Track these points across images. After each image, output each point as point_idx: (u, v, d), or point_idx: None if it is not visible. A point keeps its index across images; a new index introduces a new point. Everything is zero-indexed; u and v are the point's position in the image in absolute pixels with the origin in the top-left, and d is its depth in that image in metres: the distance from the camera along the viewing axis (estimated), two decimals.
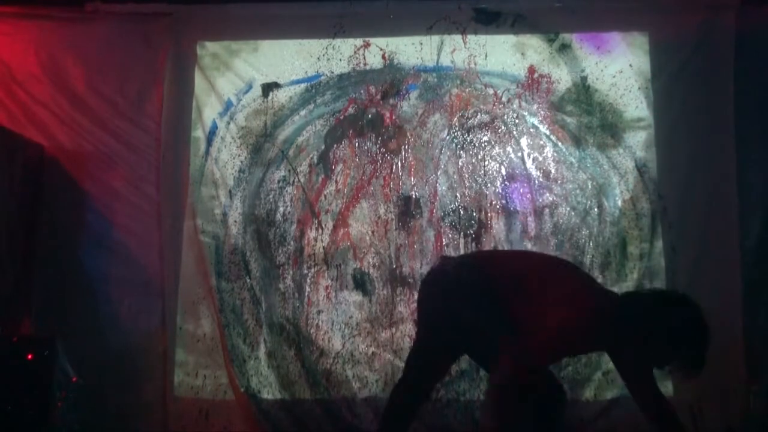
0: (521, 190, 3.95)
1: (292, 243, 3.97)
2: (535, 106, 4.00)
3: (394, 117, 4.03)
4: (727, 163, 3.85)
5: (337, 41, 4.07)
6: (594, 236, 3.87)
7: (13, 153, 3.90)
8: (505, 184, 3.95)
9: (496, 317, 2.51)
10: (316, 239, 3.96)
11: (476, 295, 2.55)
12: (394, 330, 3.83)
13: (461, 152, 3.99)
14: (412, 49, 4.06)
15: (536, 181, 3.95)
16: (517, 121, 4.01)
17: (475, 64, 4.02)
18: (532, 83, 4.01)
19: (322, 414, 3.81)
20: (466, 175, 3.97)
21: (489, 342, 2.54)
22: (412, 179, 3.93)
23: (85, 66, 4.15)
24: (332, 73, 4.09)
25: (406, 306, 3.84)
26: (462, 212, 3.94)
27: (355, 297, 3.90)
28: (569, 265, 2.91)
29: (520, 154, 3.98)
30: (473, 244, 3.89)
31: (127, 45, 4.15)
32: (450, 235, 3.90)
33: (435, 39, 4.05)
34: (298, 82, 4.10)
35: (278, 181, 4.03)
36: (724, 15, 3.94)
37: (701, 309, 2.44)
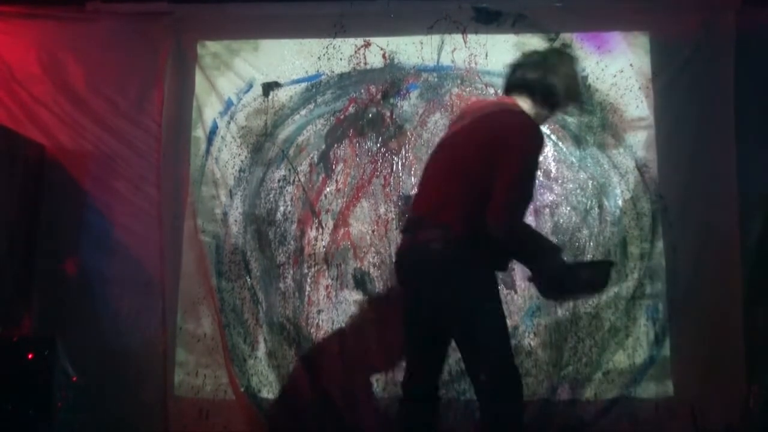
0: None
1: (292, 242, 3.97)
2: None
3: (394, 116, 4.02)
4: (727, 163, 3.84)
5: (338, 41, 4.07)
6: (594, 236, 3.87)
7: (13, 153, 3.90)
8: None
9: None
10: (316, 239, 3.96)
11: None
12: None
13: None
14: (412, 49, 4.05)
15: (536, 181, 3.93)
16: None
17: (476, 63, 4.02)
18: None
19: (322, 414, 3.81)
20: None
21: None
22: (413, 179, 3.93)
23: (86, 66, 4.15)
24: (333, 72, 4.09)
25: None
26: None
27: (356, 296, 3.90)
28: None
29: None
30: None
31: (128, 45, 4.15)
32: None
33: (435, 38, 4.05)
34: (298, 81, 4.10)
35: (278, 181, 4.03)
36: (725, 15, 3.93)
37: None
